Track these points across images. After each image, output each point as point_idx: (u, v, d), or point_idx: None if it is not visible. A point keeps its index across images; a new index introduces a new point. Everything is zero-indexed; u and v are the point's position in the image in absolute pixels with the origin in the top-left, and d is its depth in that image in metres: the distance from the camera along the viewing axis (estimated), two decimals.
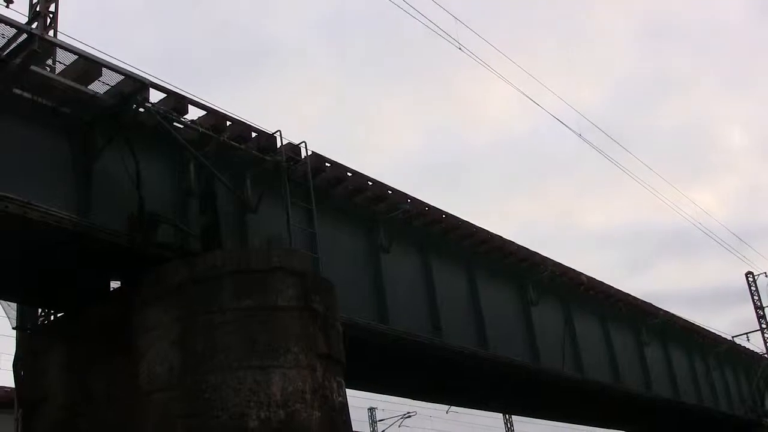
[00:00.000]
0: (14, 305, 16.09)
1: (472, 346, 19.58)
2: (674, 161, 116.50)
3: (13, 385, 16.15)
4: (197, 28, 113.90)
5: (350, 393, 13.92)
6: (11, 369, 15.67)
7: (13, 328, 16.19)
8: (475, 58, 24.41)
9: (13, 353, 15.80)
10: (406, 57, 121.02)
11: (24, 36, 11.65)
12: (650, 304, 28.16)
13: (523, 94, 28.51)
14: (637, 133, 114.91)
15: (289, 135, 15.46)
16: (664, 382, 27.97)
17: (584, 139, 30.74)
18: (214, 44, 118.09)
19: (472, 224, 19.99)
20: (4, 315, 16.20)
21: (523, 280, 22.16)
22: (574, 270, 23.92)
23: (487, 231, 20.45)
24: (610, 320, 25.87)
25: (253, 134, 14.91)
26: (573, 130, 30.62)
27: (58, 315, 15.55)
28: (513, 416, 50.71)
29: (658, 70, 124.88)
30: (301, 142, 15.55)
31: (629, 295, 26.77)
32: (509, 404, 30.47)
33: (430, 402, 30.85)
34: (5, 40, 11.66)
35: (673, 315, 29.74)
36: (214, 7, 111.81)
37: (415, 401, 32.98)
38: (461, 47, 23.83)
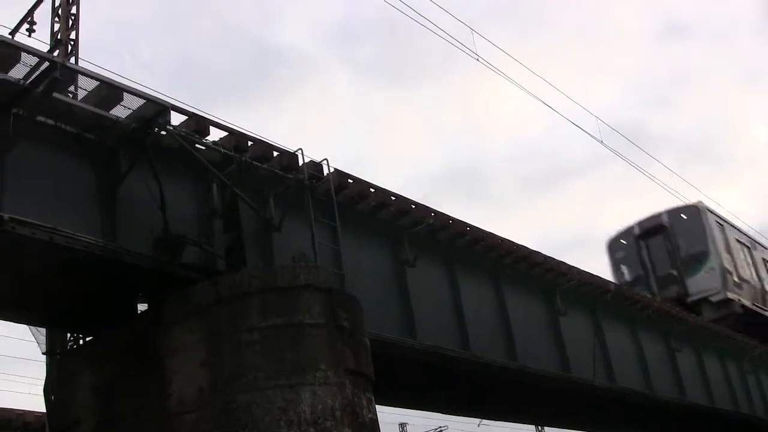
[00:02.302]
0: (43, 330, 16.19)
1: (501, 358, 19.49)
2: (696, 160, 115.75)
3: (44, 410, 16.21)
4: (207, 38, 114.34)
5: (380, 409, 13.87)
6: (42, 394, 15.73)
7: (42, 353, 16.26)
8: (492, 67, 24.36)
9: (44, 378, 15.87)
10: (418, 64, 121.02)
11: (46, 64, 11.77)
12: (680, 310, 28.00)
13: (542, 101, 28.36)
14: (658, 133, 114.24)
15: (305, 146, 15.49)
16: (698, 389, 27.70)
17: (605, 145, 30.73)
18: (223, 55, 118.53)
19: (497, 236, 19.93)
20: (34, 340, 16.29)
21: (550, 290, 22.05)
22: (601, 278, 23.84)
23: (513, 242, 20.38)
24: (639, 327, 25.69)
25: (275, 153, 14.95)
26: (594, 137, 30.53)
27: (87, 339, 15.62)
28: (545, 427, 50.43)
29: (676, 69, 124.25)
30: (323, 160, 15.61)
31: (657, 301, 26.60)
32: (541, 415, 30.37)
33: (461, 416, 30.76)
34: (28, 69, 11.79)
35: (704, 322, 29.61)
36: (222, 16, 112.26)
37: (446, 415, 32.86)
38: (478, 58, 23.81)
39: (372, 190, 16.98)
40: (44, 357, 16.41)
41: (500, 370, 19.48)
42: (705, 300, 32.76)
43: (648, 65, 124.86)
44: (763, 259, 38.39)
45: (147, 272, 13.12)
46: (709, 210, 35.11)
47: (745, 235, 38.06)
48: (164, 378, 13.06)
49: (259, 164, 14.59)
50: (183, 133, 13.42)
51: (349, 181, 16.47)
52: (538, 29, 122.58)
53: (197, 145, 13.83)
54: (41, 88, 11.87)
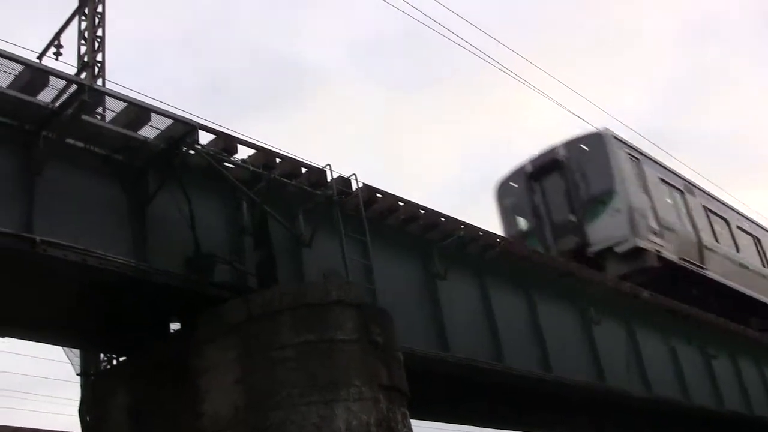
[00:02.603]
0: (77, 351, 16.27)
1: (535, 369, 19.39)
2: (725, 164, 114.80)
3: (79, 431, 16.27)
4: (233, 54, 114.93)
5: (415, 423, 13.81)
6: (77, 414, 15.80)
7: (76, 374, 16.35)
8: (516, 76, 24.43)
9: (78, 399, 15.93)
10: (443, 75, 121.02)
11: (74, 87, 11.87)
12: (715, 317, 27.71)
13: (567, 110, 28.76)
14: (684, 139, 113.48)
15: (333, 161, 15.51)
16: (735, 396, 27.38)
17: None
18: (249, 71, 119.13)
19: (527, 247, 19.87)
20: (68, 362, 16.37)
21: (583, 300, 21.94)
22: (635, 286, 23.67)
23: (543, 253, 20.32)
24: (674, 335, 25.47)
25: (303, 170, 15.00)
26: None
27: (120, 359, 15.68)
28: None
29: (703, 72, 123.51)
30: (351, 175, 15.62)
31: (692, 308, 26.38)
32: (576, 427, 30.10)
33: (496, 429, 30.57)
34: (57, 92, 11.88)
35: (740, 328, 29.24)
36: (248, 32, 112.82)
37: (480, 429, 32.70)
38: (504, 69, 23.89)
39: (401, 203, 16.96)
40: (78, 378, 16.50)
41: (535, 382, 19.36)
42: (609, 251, 25.63)
43: (675, 69, 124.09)
44: (704, 207, 31.24)
45: (178, 291, 13.17)
46: (617, 138, 27.64)
47: (677, 176, 30.90)
48: (197, 397, 13.08)
49: (288, 181, 14.62)
50: (211, 152, 13.48)
51: (378, 195, 16.45)
52: (562, 38, 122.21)
53: (226, 164, 13.88)
54: (70, 111, 11.98)
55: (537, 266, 20.31)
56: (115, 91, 12.83)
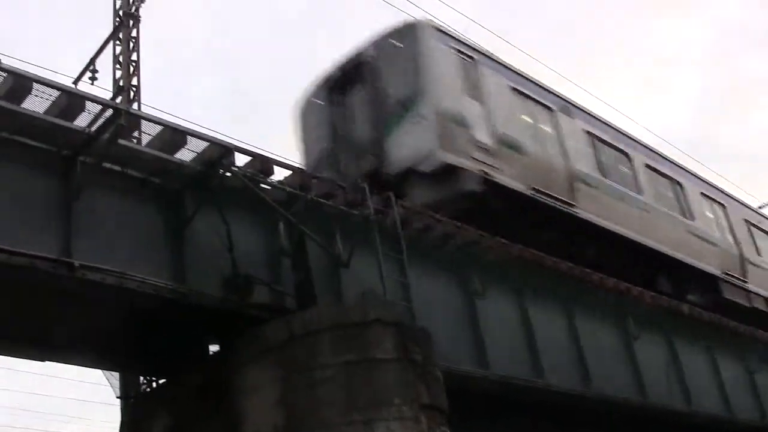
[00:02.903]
0: (117, 374, 16.35)
1: (576, 386, 19.23)
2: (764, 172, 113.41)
3: None
4: (263, 73, 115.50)
5: None
6: None
7: (117, 398, 16.44)
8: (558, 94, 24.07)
9: (119, 422, 15.99)
10: None
11: (110, 111, 11.94)
12: (756, 330, 27.41)
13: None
14: (722, 147, 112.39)
15: None
16: None
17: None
18: (282, 90, 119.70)
19: (566, 263, 19.72)
20: (108, 385, 16.45)
21: (623, 315, 21.76)
22: (675, 301, 23.46)
23: (583, 269, 20.15)
24: (715, 349, 25.21)
25: (340, 189, 15.02)
26: None
27: (160, 381, 15.72)
28: None
29: (737, 80, 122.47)
30: (387, 194, 15.59)
31: (733, 322, 26.11)
32: None
33: None
34: (93, 117, 11.96)
35: None
36: (277, 50, 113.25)
37: None
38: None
39: (438, 222, 16.92)
40: (119, 401, 16.58)
41: (575, 399, 19.21)
42: (412, 171, 18.31)
43: (708, 78, 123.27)
44: (590, 134, 23.80)
45: (217, 313, 13.20)
46: (439, 30, 20.55)
47: (552, 94, 23.44)
48: (238, 417, 13.09)
49: (325, 201, 14.63)
50: (248, 174, 13.50)
51: (415, 213, 16.45)
52: (595, 54, 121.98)
53: (262, 185, 13.90)
54: (107, 135, 12.05)
55: (576, 282, 20.17)
56: (151, 115, 12.96)
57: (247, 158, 13.91)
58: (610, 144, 24.50)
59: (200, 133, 12.99)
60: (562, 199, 20.86)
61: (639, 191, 24.66)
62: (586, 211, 21.48)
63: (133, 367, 15.71)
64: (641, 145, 26.68)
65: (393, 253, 15.19)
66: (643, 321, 22.14)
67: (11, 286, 11.92)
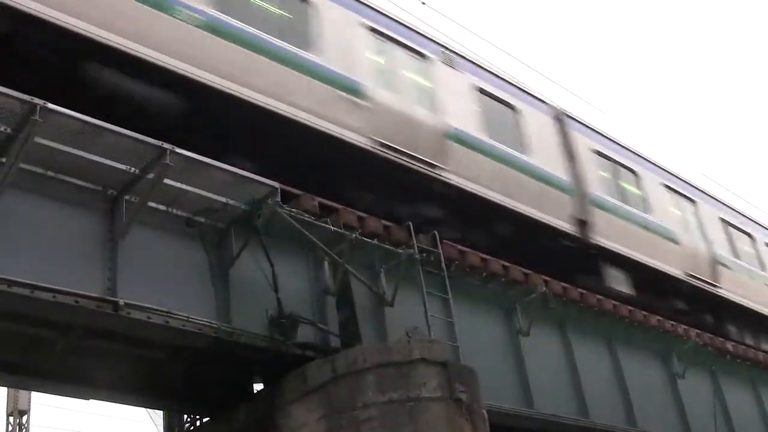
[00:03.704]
0: (160, 413, 16.33)
1: (620, 424, 19.07)
2: None
3: None
4: None
5: None
6: None
7: None
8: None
9: None
10: None
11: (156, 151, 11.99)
12: None
13: None
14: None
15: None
16: None
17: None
18: None
19: (610, 301, 19.69)
20: (152, 422, 16.45)
21: (667, 353, 21.60)
22: (719, 339, 23.27)
23: (626, 307, 20.09)
24: (761, 387, 24.95)
25: (384, 229, 15.02)
26: None
27: (204, 420, 15.69)
28: None
29: None
30: (433, 232, 15.59)
31: None
32: None
33: None
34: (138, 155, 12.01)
35: None
36: None
37: None
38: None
39: (483, 260, 16.93)
40: None
41: None
42: None
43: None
44: (477, 87, 19.77)
45: (262, 352, 13.18)
46: None
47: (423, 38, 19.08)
48: None
49: (370, 240, 14.62)
50: (293, 213, 13.51)
51: (460, 252, 16.44)
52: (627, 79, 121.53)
53: (308, 224, 13.89)
54: (152, 174, 12.09)
55: (619, 321, 20.08)
56: (197, 155, 12.93)
57: (293, 197, 13.94)
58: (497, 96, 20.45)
59: (245, 173, 12.99)
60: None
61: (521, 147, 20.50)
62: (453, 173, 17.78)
63: (176, 406, 15.68)
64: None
65: (437, 291, 15.18)
66: (689, 359, 21.94)
67: (57, 325, 11.96)
